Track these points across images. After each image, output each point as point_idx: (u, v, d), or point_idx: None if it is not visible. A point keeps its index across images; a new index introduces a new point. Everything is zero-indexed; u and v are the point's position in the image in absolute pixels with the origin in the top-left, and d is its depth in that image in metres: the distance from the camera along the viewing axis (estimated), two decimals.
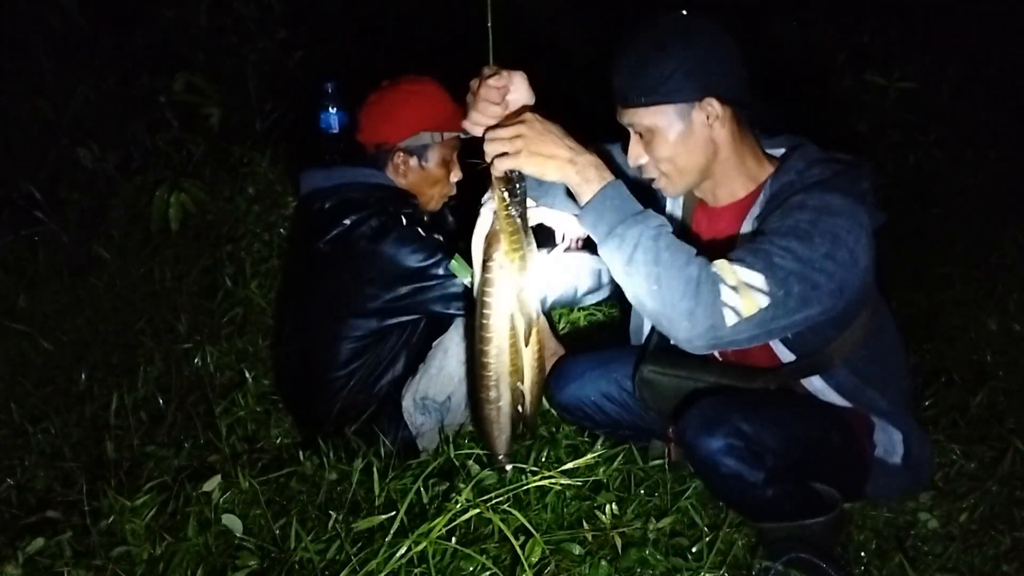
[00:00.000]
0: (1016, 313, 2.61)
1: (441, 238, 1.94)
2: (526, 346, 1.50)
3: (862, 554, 1.75)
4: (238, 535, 1.55)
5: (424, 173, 2.06)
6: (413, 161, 2.04)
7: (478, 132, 1.45)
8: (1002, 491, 1.89)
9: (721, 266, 1.36)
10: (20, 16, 3.52)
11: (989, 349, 2.46)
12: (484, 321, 1.48)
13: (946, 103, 3.78)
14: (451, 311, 1.96)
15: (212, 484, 1.63)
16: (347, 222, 1.91)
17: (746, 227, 1.55)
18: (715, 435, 1.47)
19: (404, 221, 1.93)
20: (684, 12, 1.50)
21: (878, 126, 3.57)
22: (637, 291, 1.40)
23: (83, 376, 2.39)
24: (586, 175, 1.42)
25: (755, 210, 1.54)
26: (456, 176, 2.11)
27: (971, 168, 3.52)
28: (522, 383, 1.54)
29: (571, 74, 3.57)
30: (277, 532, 1.58)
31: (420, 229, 1.93)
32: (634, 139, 1.55)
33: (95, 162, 3.16)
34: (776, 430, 1.51)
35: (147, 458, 1.95)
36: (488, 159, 1.41)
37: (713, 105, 1.48)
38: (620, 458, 1.82)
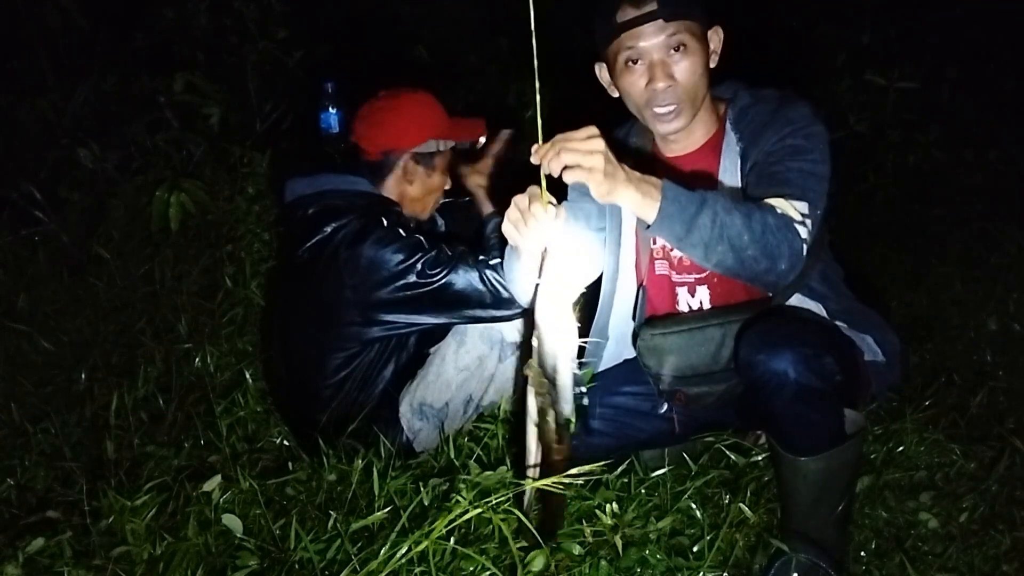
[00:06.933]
0: (1016, 313, 2.61)
1: (423, 239, 1.89)
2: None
3: (862, 554, 1.75)
4: (238, 535, 1.54)
5: (427, 181, 2.05)
6: (420, 169, 2.03)
7: (527, 246, 1.40)
8: (1002, 491, 1.89)
9: (782, 205, 1.47)
10: (20, 16, 3.52)
11: (989, 349, 2.46)
12: None
13: (946, 103, 3.77)
14: (440, 317, 1.91)
15: (212, 484, 1.63)
16: (328, 229, 1.87)
17: (725, 160, 1.62)
18: (784, 350, 1.48)
19: (385, 223, 1.88)
20: None
21: (878, 126, 3.57)
22: (729, 262, 1.43)
23: (83, 376, 2.38)
24: (644, 189, 1.38)
25: (728, 141, 1.62)
26: (447, 185, 2.11)
27: (971, 168, 3.52)
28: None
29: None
30: (277, 532, 1.58)
31: (401, 230, 1.89)
32: (662, 61, 1.54)
33: (95, 162, 3.16)
34: (827, 340, 1.58)
35: (147, 458, 1.95)
36: (553, 169, 1.30)
37: (720, 34, 1.55)
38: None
